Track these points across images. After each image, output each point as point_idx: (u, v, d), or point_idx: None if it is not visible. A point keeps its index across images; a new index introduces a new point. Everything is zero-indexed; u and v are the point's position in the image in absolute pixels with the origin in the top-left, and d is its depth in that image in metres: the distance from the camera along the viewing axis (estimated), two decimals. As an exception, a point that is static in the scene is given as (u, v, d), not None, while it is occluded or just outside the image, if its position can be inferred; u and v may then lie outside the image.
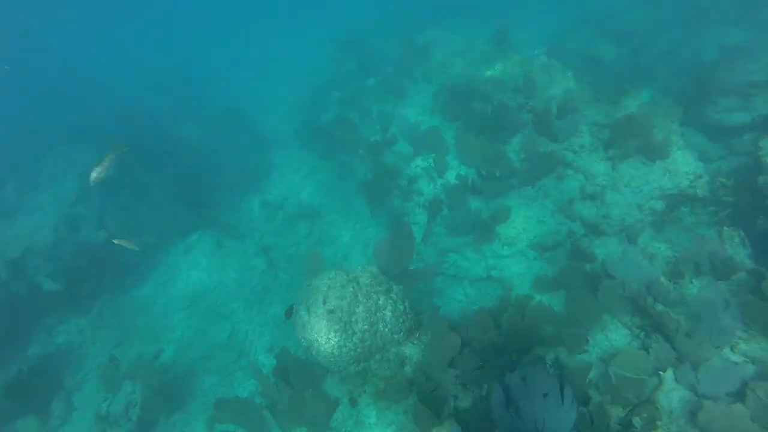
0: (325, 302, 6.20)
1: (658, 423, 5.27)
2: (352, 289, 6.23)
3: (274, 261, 11.79)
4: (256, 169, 15.75)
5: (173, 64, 27.36)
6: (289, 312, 6.72)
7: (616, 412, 5.60)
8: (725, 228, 6.35)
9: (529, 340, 6.51)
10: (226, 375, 9.34)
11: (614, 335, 6.39)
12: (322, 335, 6.14)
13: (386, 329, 6.18)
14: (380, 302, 6.24)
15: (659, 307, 6.01)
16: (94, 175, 6.51)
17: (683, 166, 7.16)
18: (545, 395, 5.58)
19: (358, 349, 6.11)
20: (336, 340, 6.09)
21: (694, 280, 6.18)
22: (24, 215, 12.51)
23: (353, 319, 6.10)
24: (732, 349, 5.52)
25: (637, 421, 5.40)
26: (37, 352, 11.11)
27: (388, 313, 6.22)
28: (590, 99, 8.27)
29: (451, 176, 9.79)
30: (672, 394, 5.43)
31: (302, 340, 6.71)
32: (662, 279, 6.30)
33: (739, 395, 5.11)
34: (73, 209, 12.53)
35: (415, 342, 6.51)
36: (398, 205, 10.57)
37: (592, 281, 6.89)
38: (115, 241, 7.33)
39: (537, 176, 8.67)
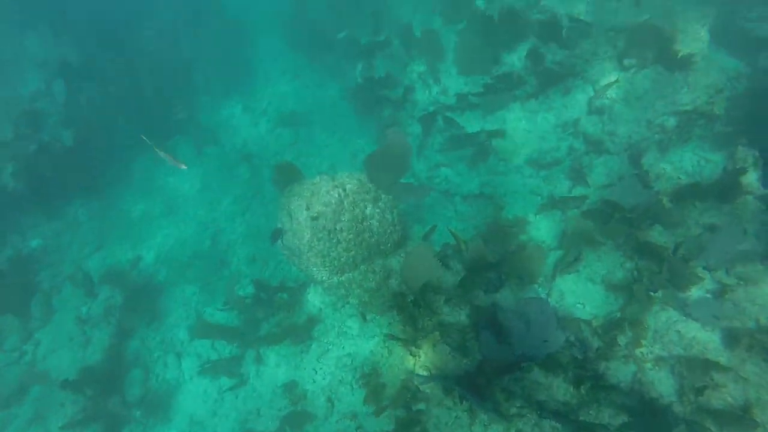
0: (308, 208, 5.78)
1: (643, 342, 5.24)
2: (337, 195, 5.80)
3: (257, 169, 11.22)
4: (237, 68, 14.49)
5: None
6: (276, 236, 6.29)
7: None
8: (739, 147, 5.93)
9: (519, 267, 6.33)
10: (207, 284, 9.18)
11: (607, 257, 6.20)
12: (305, 243, 5.81)
13: (373, 239, 5.87)
14: (367, 211, 5.85)
15: (658, 228, 5.77)
16: None
17: (704, 78, 6.53)
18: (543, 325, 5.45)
19: (342, 259, 5.84)
20: (319, 248, 5.78)
21: (697, 203, 5.88)
22: (-21, 109, 11.43)
23: (338, 227, 5.74)
24: (726, 271, 5.37)
25: (621, 339, 5.37)
26: (12, 254, 10.75)
27: (375, 223, 5.87)
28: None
29: (449, 84, 9.01)
30: (659, 314, 5.36)
31: (283, 249, 6.41)
32: (664, 200, 5.98)
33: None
34: (33, 104, 11.47)
35: (402, 255, 6.26)
36: (390, 114, 9.86)
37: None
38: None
39: (542, 88, 7.98)
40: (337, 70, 12.23)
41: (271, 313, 7.28)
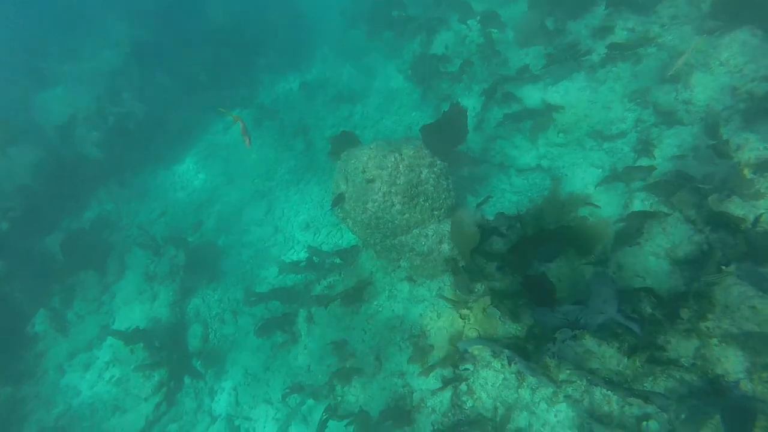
0: (364, 171, 5.87)
1: (710, 316, 4.90)
2: (393, 159, 5.83)
3: (312, 142, 11.50)
4: (297, 47, 14.85)
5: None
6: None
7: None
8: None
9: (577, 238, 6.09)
10: (262, 249, 9.58)
11: (673, 229, 5.84)
12: (360, 204, 5.90)
13: (427, 203, 5.86)
14: (423, 175, 5.85)
15: (736, 200, 5.35)
16: None
17: (802, 40, 5.91)
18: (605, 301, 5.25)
19: (396, 221, 5.88)
20: (373, 210, 5.86)
21: (784, 174, 5.37)
22: (67, 83, 12.47)
23: (393, 190, 5.79)
24: (814, 249, 4.89)
25: (685, 312, 5.05)
26: (91, 216, 11.75)
27: (430, 188, 5.85)
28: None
29: (510, 55, 8.76)
30: (731, 288, 4.98)
31: (338, 211, 6.55)
32: (745, 171, 5.52)
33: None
34: (113, 81, 12.38)
35: (454, 221, 6.21)
36: (447, 87, 9.73)
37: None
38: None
39: (610, 56, 7.55)
40: (396, 45, 12.18)
41: (324, 275, 7.50)
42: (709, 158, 6.05)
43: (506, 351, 4.95)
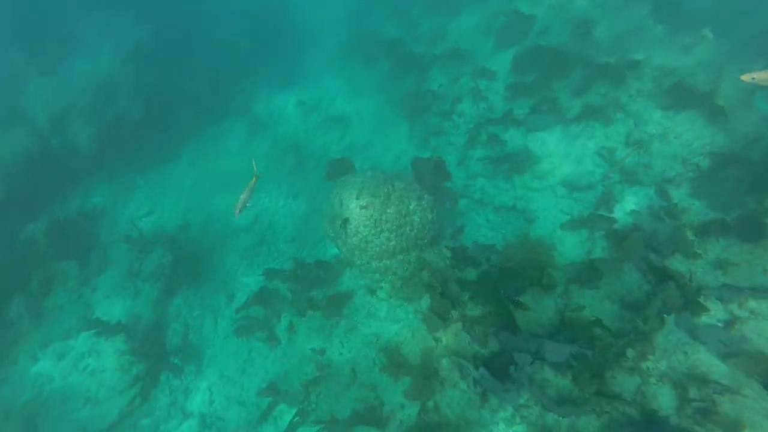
0: (358, 197, 6.43)
1: (650, 357, 5.63)
2: (386, 189, 6.42)
3: (303, 159, 11.99)
4: (294, 64, 15.44)
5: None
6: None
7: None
8: (768, 193, 6.25)
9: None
10: (247, 257, 9.94)
11: (627, 278, 6.61)
12: (351, 228, 6.44)
13: (412, 233, 6.46)
14: (411, 207, 6.45)
15: (678, 257, 6.16)
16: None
17: (744, 126, 6.89)
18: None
19: (383, 246, 6.44)
20: (364, 234, 6.40)
21: (721, 239, 6.24)
22: (64, 76, 12.60)
23: (383, 218, 6.36)
24: (739, 305, 5.71)
25: (630, 352, 5.78)
26: (78, 206, 11.83)
27: (417, 219, 6.46)
28: (661, 39, 7.78)
29: (496, 101, 9.57)
30: (670, 335, 5.74)
31: (330, 232, 7.06)
32: (688, 233, 6.36)
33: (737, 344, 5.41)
34: (111, 77, 12.60)
35: (435, 251, 6.83)
36: (437, 123, 10.46)
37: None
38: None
39: (585, 115, 8.44)
40: (390, 76, 12.93)
41: (307, 288, 7.95)
42: (660, 217, 6.90)
43: (474, 371, 5.52)
